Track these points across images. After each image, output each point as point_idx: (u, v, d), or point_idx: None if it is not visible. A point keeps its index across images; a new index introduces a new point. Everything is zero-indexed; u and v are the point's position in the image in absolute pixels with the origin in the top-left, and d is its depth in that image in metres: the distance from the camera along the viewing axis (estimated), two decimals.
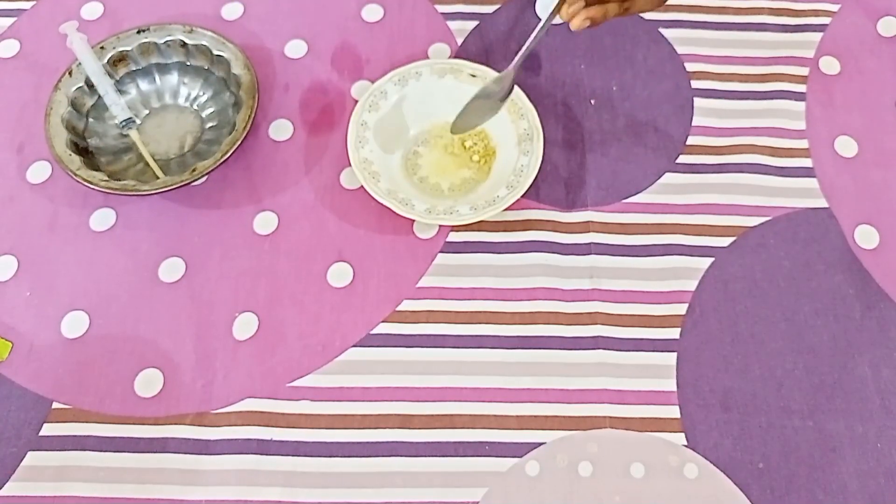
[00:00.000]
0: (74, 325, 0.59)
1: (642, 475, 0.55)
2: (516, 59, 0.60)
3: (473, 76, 0.67)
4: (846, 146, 0.68)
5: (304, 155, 0.67)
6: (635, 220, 0.65)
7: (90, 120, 0.67)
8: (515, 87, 0.63)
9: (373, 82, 0.68)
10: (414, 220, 0.64)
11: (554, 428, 0.57)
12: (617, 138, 0.68)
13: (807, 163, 0.67)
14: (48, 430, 0.56)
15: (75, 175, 0.61)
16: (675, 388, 0.58)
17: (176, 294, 0.61)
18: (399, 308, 0.61)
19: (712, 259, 0.63)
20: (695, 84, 0.71)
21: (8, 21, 0.74)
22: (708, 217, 0.65)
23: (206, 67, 0.69)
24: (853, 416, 0.57)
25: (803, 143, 0.68)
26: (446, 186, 0.65)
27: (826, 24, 0.75)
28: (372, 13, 0.75)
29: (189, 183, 0.62)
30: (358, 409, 0.57)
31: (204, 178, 0.65)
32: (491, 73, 0.67)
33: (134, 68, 0.69)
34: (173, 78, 0.70)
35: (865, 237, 0.64)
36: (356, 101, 0.68)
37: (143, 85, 0.69)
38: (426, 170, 0.66)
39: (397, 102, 0.66)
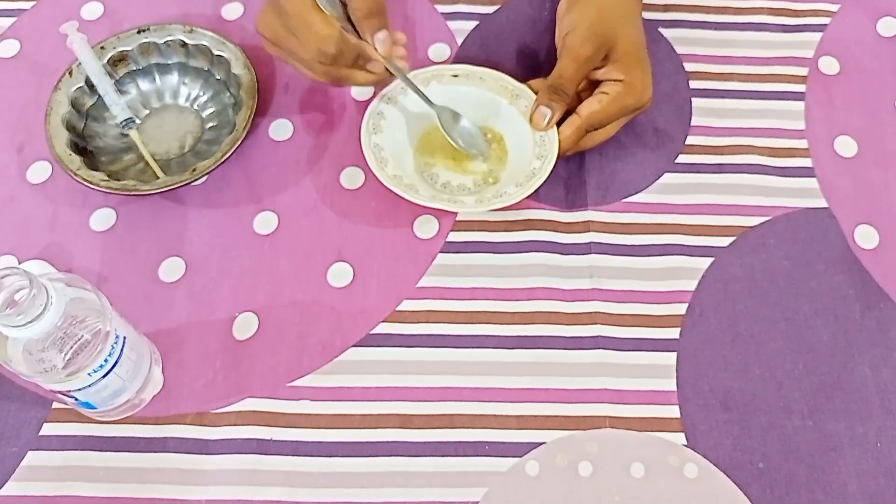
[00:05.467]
0: None
1: (642, 475, 0.55)
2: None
3: (455, 76, 0.67)
4: (846, 146, 0.68)
5: (304, 155, 0.67)
6: (635, 220, 0.65)
7: (90, 120, 0.67)
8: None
9: None
10: (414, 221, 0.64)
11: (554, 428, 0.57)
12: (616, 138, 0.68)
13: (806, 163, 0.68)
14: (48, 430, 0.56)
15: (75, 175, 0.61)
16: (675, 388, 0.58)
17: (176, 294, 0.61)
18: (399, 308, 0.61)
19: (712, 259, 0.63)
20: (694, 84, 0.71)
21: (8, 21, 0.74)
22: (708, 217, 0.65)
23: (206, 68, 0.69)
24: (853, 416, 0.57)
25: (803, 143, 0.68)
26: (471, 184, 0.64)
27: (826, 24, 0.75)
28: None
29: (189, 183, 0.62)
30: (358, 409, 0.57)
31: (204, 178, 0.65)
32: (474, 70, 0.66)
33: (134, 68, 0.69)
34: (173, 78, 0.70)
35: (865, 237, 0.64)
36: (356, 102, 0.68)
37: (143, 85, 0.69)
38: (445, 177, 0.65)
39: (396, 120, 0.65)
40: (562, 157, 0.63)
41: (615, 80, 0.62)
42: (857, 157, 0.68)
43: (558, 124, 0.63)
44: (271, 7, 0.59)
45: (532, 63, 0.72)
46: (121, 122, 0.66)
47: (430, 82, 0.66)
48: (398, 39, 0.63)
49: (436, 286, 0.62)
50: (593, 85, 0.63)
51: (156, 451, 0.56)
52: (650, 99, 0.63)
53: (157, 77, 0.69)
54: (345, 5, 0.59)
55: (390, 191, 0.60)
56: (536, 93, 0.64)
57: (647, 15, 0.75)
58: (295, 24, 0.58)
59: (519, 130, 0.64)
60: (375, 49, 0.60)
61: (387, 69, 0.62)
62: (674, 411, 0.57)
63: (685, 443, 0.56)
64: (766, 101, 0.70)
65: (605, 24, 0.62)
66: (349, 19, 0.59)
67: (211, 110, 0.69)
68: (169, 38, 0.68)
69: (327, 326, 0.60)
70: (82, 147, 0.65)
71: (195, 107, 0.69)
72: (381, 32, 0.59)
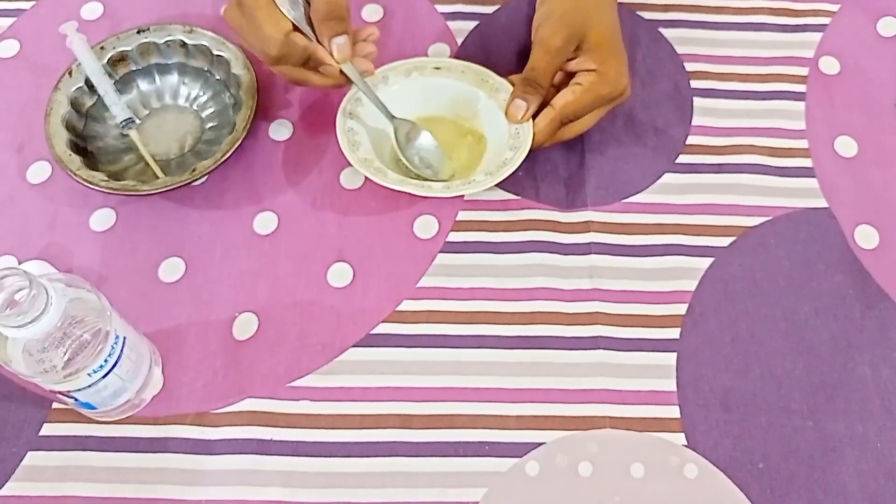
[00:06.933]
0: None
1: (642, 475, 0.55)
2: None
3: (437, 69, 0.67)
4: (846, 146, 0.68)
5: (304, 155, 0.67)
6: (635, 220, 0.65)
7: (90, 120, 0.67)
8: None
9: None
10: (414, 221, 0.64)
11: (554, 428, 0.57)
12: (616, 138, 0.68)
13: (807, 163, 0.67)
14: (48, 430, 0.56)
15: (75, 175, 0.61)
16: (675, 388, 0.58)
17: (176, 294, 0.61)
18: (399, 308, 0.61)
19: (712, 259, 0.63)
20: (694, 84, 0.71)
21: (8, 21, 0.74)
22: (708, 217, 0.65)
23: (206, 68, 0.69)
24: (853, 416, 0.57)
25: (803, 143, 0.68)
26: (446, 178, 0.64)
27: (826, 24, 0.75)
28: (372, 13, 0.75)
29: (189, 183, 0.62)
30: (358, 409, 0.57)
31: (204, 178, 0.65)
32: (455, 64, 0.66)
33: (134, 68, 0.69)
34: (173, 78, 0.70)
35: (865, 237, 0.64)
36: None
37: (143, 85, 0.69)
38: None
39: (374, 108, 0.64)
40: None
41: (588, 70, 0.61)
42: (857, 157, 0.68)
43: (534, 117, 0.63)
44: None
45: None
46: (121, 122, 0.66)
47: (411, 73, 0.66)
48: (369, 35, 0.62)
49: (436, 286, 0.62)
50: (570, 77, 0.63)
51: (156, 451, 0.56)
52: (627, 88, 0.63)
53: (157, 77, 0.69)
54: (309, 3, 0.58)
55: (390, 191, 0.60)
56: None
57: (647, 15, 0.75)
58: (248, 19, 0.58)
59: (497, 124, 0.64)
60: (332, 54, 0.59)
61: (343, 73, 0.60)
62: (674, 411, 0.57)
63: (685, 443, 0.56)
64: (767, 101, 0.70)
65: (577, 14, 0.62)
66: (311, 20, 0.59)
67: (211, 110, 0.69)
68: (169, 38, 0.68)
69: (327, 326, 0.60)
70: (82, 147, 0.65)
71: (195, 107, 0.69)
72: (340, 38, 0.59)
